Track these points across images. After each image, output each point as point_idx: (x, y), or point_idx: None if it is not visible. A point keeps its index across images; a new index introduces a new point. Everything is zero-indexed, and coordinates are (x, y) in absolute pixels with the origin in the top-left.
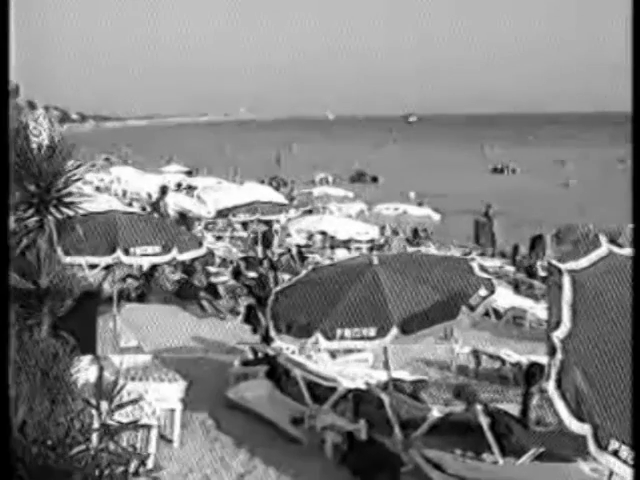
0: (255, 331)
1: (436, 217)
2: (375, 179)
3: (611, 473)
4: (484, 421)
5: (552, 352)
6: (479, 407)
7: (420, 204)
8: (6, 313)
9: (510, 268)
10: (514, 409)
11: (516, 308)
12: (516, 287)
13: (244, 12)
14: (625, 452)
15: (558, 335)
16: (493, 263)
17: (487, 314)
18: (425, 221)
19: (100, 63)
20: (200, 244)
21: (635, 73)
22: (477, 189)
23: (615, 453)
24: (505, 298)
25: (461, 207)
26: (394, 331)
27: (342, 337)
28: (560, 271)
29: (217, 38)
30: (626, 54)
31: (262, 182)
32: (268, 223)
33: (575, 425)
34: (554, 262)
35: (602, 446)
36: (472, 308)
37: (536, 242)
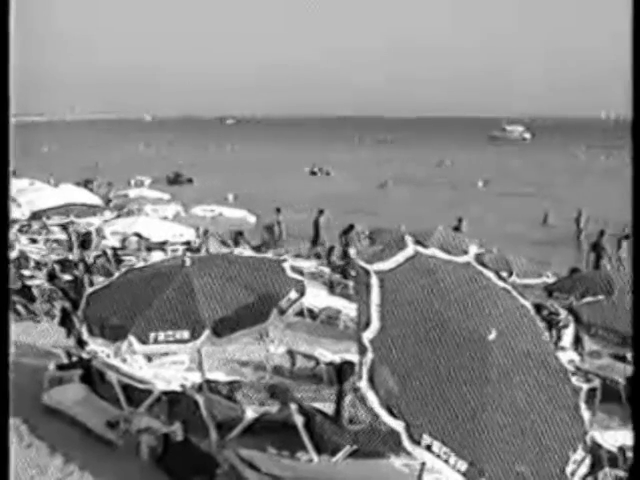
0: (70, 334)
1: (252, 219)
2: (190, 180)
3: (422, 468)
4: (299, 420)
5: (363, 351)
6: (294, 406)
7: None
8: (6, 313)
9: (325, 269)
10: (329, 408)
11: (330, 308)
12: (331, 287)
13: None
14: (437, 447)
15: (368, 335)
16: (309, 264)
17: (302, 314)
18: (241, 223)
19: None
20: (11, 246)
21: (635, 74)
22: (293, 191)
23: (428, 448)
24: (320, 298)
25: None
26: (207, 333)
27: (156, 340)
28: (368, 272)
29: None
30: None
31: (78, 184)
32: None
33: (389, 421)
34: (362, 264)
35: (415, 441)
36: (282, 311)
37: (347, 235)
